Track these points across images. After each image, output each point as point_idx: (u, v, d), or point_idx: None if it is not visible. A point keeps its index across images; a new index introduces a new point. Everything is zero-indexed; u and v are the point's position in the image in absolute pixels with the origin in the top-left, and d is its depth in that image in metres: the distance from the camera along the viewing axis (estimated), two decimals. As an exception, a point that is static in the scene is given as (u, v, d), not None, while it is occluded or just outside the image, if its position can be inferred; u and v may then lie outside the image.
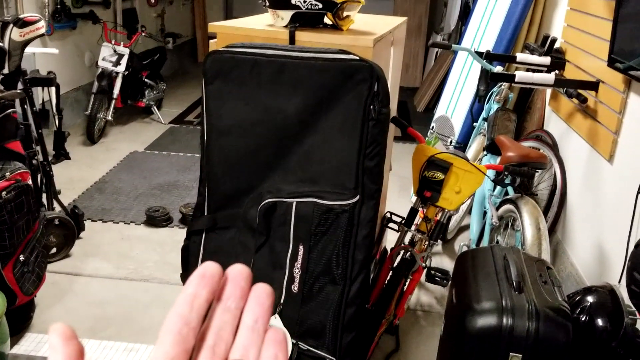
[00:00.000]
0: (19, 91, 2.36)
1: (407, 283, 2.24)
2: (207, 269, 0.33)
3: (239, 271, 0.34)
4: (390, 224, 2.26)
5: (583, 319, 1.67)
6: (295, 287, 1.64)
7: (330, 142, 1.59)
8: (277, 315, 1.66)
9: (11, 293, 2.11)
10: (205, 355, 0.31)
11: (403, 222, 2.22)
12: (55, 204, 2.84)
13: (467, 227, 3.29)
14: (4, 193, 2.01)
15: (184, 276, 1.82)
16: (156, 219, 3.25)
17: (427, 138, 3.65)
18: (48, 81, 2.82)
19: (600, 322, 1.67)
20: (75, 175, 3.88)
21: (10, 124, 2.15)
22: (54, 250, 2.81)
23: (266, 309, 0.34)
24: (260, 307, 0.34)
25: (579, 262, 2.58)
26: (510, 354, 1.38)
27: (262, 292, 0.34)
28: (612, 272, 2.22)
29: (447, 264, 2.96)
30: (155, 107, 5.22)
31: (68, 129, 4.24)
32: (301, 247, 1.63)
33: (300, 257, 1.64)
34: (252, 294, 0.34)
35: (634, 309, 1.65)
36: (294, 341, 1.63)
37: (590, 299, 1.74)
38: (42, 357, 2.16)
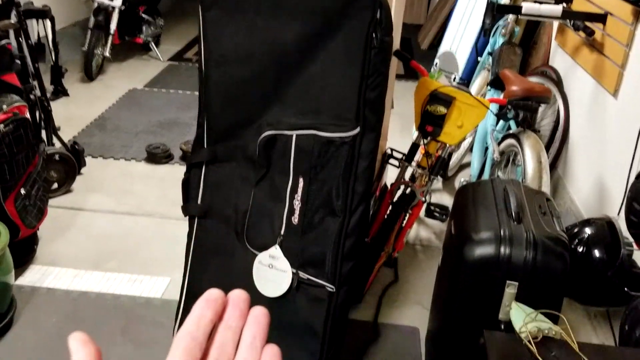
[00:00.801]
0: (12, 22, 2.31)
1: (406, 218, 2.25)
2: (212, 294, 0.38)
3: (238, 295, 0.39)
4: (391, 160, 2.25)
5: (580, 249, 1.69)
6: (295, 219, 1.65)
7: (330, 72, 1.56)
8: (277, 246, 1.67)
9: (14, 226, 2.13)
10: None
11: (404, 157, 2.22)
12: (55, 140, 2.83)
13: (467, 165, 3.29)
14: (1, 126, 2.00)
15: (185, 208, 1.83)
16: (157, 156, 3.24)
17: (430, 72, 3.59)
18: (42, 13, 2.75)
19: (597, 252, 1.69)
20: (74, 112, 3.85)
21: (5, 55, 2.11)
22: (55, 185, 2.82)
23: (263, 328, 0.38)
24: (257, 326, 0.39)
25: (579, 198, 2.59)
26: (507, 282, 1.40)
27: (259, 313, 0.39)
28: (611, 207, 2.23)
29: (447, 200, 2.97)
30: (153, 44, 5.13)
31: (65, 66, 4.17)
32: (301, 180, 1.63)
33: (300, 190, 1.64)
34: (251, 315, 0.39)
35: (631, 240, 1.66)
36: (294, 271, 1.65)
37: (588, 230, 1.76)
38: (45, 288, 2.21)
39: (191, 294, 1.82)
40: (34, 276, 2.26)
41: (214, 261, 1.79)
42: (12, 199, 2.11)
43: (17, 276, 2.21)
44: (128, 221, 2.69)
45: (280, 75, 1.61)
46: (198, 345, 0.36)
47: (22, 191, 2.15)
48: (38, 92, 2.64)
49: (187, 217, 1.84)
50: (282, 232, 1.66)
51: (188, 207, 1.82)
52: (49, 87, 3.94)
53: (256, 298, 1.71)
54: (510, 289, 1.40)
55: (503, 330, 1.41)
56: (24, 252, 2.31)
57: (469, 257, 1.44)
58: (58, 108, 3.69)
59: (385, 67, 1.57)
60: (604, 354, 1.23)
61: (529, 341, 1.21)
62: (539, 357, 1.17)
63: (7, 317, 1.97)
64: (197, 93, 1.67)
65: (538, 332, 1.24)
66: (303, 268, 1.66)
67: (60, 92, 4.04)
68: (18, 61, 2.40)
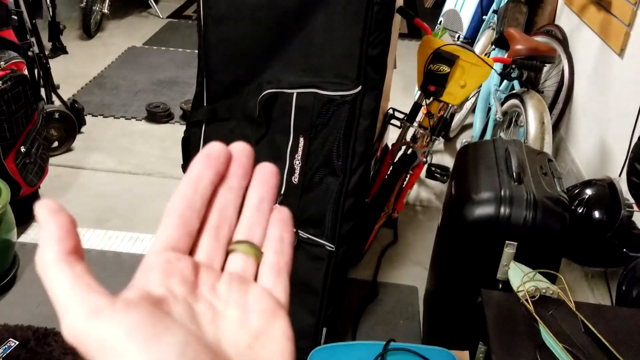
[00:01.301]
0: (7, -24, 2.26)
1: (407, 178, 2.25)
2: (212, 149, 0.32)
3: (240, 149, 0.32)
4: (393, 121, 2.23)
5: (580, 210, 1.69)
6: (295, 179, 1.65)
7: (332, 29, 1.53)
8: (277, 205, 1.67)
9: (15, 184, 2.13)
10: (208, 236, 0.31)
11: (405, 118, 2.20)
12: (54, 98, 2.80)
13: (469, 126, 3.26)
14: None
15: (185, 167, 1.82)
16: (157, 115, 3.22)
17: (434, 31, 3.53)
18: (38, -32, 2.69)
19: (597, 213, 1.69)
20: (73, 70, 3.81)
21: (1, 10, 2.07)
22: (55, 144, 2.81)
23: (271, 188, 0.32)
24: (265, 185, 0.32)
25: (581, 159, 2.58)
26: (506, 242, 1.40)
27: (267, 170, 0.33)
28: (613, 168, 2.22)
29: (448, 162, 2.97)
30: (152, 1, 5.04)
31: (63, 23, 4.11)
32: (301, 139, 1.62)
33: (300, 149, 1.63)
34: (257, 173, 0.32)
35: (631, 201, 1.66)
36: (294, 230, 1.66)
37: (589, 191, 1.75)
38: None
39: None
40: (36, 234, 2.28)
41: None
42: (12, 156, 2.10)
43: (19, 234, 2.23)
44: (129, 180, 2.69)
45: (281, 32, 1.58)
46: (195, 213, 0.30)
47: (22, 149, 2.15)
48: (36, 49, 2.60)
49: (188, 176, 1.84)
50: (282, 191, 1.66)
51: (188, 165, 1.82)
52: (47, 45, 3.89)
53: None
54: (509, 248, 1.41)
55: (501, 290, 1.42)
56: (26, 210, 2.32)
57: (469, 217, 1.44)
58: (56, 66, 3.65)
59: (388, 23, 1.54)
60: (601, 314, 1.24)
61: (527, 300, 1.22)
62: (536, 316, 1.18)
63: (10, 274, 1.99)
64: (197, 51, 1.64)
65: (536, 291, 1.25)
66: (303, 227, 1.66)
67: (59, 49, 3.99)
68: (15, 17, 2.37)
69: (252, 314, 0.28)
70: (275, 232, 0.32)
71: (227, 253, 0.31)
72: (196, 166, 0.31)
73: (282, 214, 0.32)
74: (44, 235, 0.26)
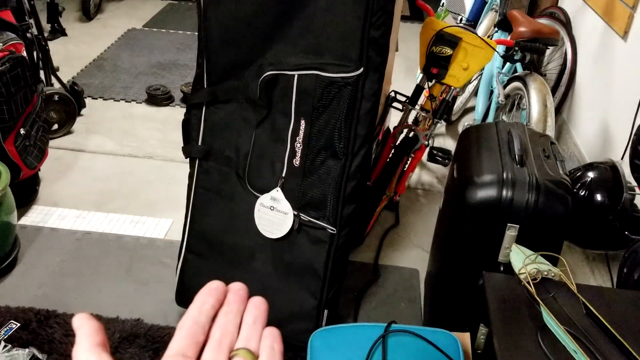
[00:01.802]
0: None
1: (408, 161, 2.24)
2: (213, 284, 0.41)
3: (237, 286, 0.42)
4: (395, 104, 2.22)
5: (583, 193, 1.69)
6: (296, 161, 1.64)
7: (334, 10, 1.51)
8: (279, 189, 1.67)
9: (15, 166, 2.12)
10: (212, 346, 0.38)
11: (407, 100, 2.18)
12: (54, 80, 2.79)
13: (471, 109, 3.25)
14: (-2, 64, 1.96)
15: (185, 149, 1.81)
16: (157, 98, 3.21)
17: (436, 13, 3.50)
18: (36, -52, 2.65)
19: (599, 196, 1.69)
20: (72, 52, 3.79)
21: (-1, -9, 2.05)
22: (55, 126, 2.80)
23: (262, 312, 0.41)
24: (257, 309, 0.41)
25: (583, 143, 2.57)
26: (508, 224, 1.40)
27: (258, 299, 0.42)
28: (615, 151, 2.21)
29: (450, 145, 2.96)
30: (152, -18, 4.99)
31: (62, 4, 4.07)
32: (303, 122, 1.61)
33: (301, 132, 1.62)
34: (250, 302, 0.42)
35: (634, 184, 1.65)
36: (295, 213, 1.66)
37: (591, 174, 1.75)
38: (49, 228, 2.22)
39: (193, 234, 1.83)
40: (36, 217, 2.28)
41: (216, 202, 1.80)
42: (12, 139, 2.09)
43: (19, 216, 2.23)
44: (129, 163, 2.69)
45: (282, 13, 1.56)
46: (201, 328, 0.38)
47: (22, 131, 2.14)
48: (35, 31, 2.58)
49: (188, 158, 1.83)
50: (284, 174, 1.65)
51: (189, 148, 1.81)
52: (46, 26, 3.86)
53: (258, 239, 1.72)
54: (511, 231, 1.40)
55: (502, 272, 1.42)
56: (26, 192, 2.32)
57: (471, 199, 1.43)
58: (56, 48, 3.63)
59: (391, 4, 1.52)
60: (602, 296, 1.25)
61: (528, 282, 1.22)
62: (538, 298, 1.18)
63: (11, 256, 2.00)
64: (197, 33, 1.62)
65: (537, 274, 1.25)
66: (304, 210, 1.66)
67: (58, 31, 3.96)
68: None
69: None
70: (267, 342, 0.39)
71: (230, 359, 0.38)
72: (200, 295, 0.41)
73: (272, 330, 0.40)
74: (79, 333, 0.35)
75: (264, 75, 1.60)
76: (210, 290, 0.41)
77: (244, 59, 1.65)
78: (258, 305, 0.41)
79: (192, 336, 0.38)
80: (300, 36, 1.57)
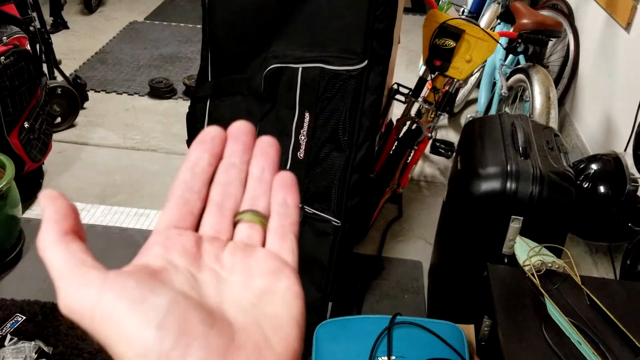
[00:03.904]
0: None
1: (411, 154, 2.25)
2: (206, 134, 0.33)
3: (238, 127, 0.33)
4: (397, 96, 2.22)
5: (586, 185, 1.69)
6: (301, 154, 1.65)
7: (338, 2, 1.51)
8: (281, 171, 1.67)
9: (19, 159, 2.13)
10: (212, 211, 0.31)
11: (410, 93, 2.19)
12: (57, 74, 2.79)
13: (474, 101, 3.25)
14: (2, 58, 1.96)
15: (190, 143, 1.82)
16: (160, 91, 3.21)
17: (439, 5, 3.49)
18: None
19: (602, 188, 1.69)
20: (75, 45, 3.79)
21: (2, -15, 2.05)
22: (58, 119, 2.80)
23: (272, 158, 0.33)
24: (265, 156, 0.33)
25: (585, 134, 2.58)
26: (512, 216, 1.40)
27: (266, 143, 0.33)
28: (618, 143, 2.21)
29: (453, 137, 2.96)
30: (153, -25, 4.97)
31: (64, -3, 4.07)
32: (307, 114, 1.61)
33: (306, 124, 1.62)
34: (256, 147, 0.33)
35: (637, 176, 1.66)
36: (300, 205, 1.66)
37: (594, 166, 1.75)
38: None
39: (198, 227, 1.84)
40: (41, 210, 2.28)
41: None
42: (16, 132, 2.10)
43: (24, 210, 2.23)
44: (133, 156, 2.69)
45: (287, 5, 1.56)
46: (195, 194, 0.31)
47: (26, 125, 2.14)
48: (38, 24, 2.58)
49: (192, 151, 1.83)
50: (288, 167, 1.66)
51: (193, 141, 1.81)
52: (48, 20, 3.85)
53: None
54: (515, 223, 1.41)
55: (506, 264, 1.43)
56: (30, 186, 2.32)
57: (475, 192, 1.44)
58: (58, 41, 3.63)
59: (395, -3, 1.52)
60: (606, 288, 1.25)
61: (533, 274, 1.23)
62: (542, 290, 1.19)
63: (16, 249, 2.00)
64: (199, 26, 1.62)
65: (541, 266, 1.25)
66: (309, 202, 1.67)
67: (60, 24, 3.96)
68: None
69: (256, 275, 0.29)
70: (279, 197, 0.32)
71: (235, 225, 0.32)
72: (191, 152, 0.32)
73: (285, 178, 0.33)
74: (43, 220, 0.28)
75: (269, 68, 1.60)
76: (204, 143, 0.32)
77: (248, 51, 1.66)
78: (265, 151, 0.33)
79: (185, 204, 0.31)
80: (305, 29, 1.57)
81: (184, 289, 0.27)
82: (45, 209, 0.28)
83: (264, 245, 0.31)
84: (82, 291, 0.26)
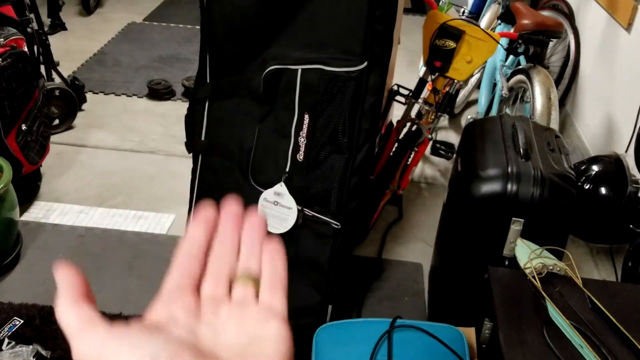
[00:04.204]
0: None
1: (412, 155, 2.24)
2: (200, 216, 0.38)
3: (229, 210, 0.39)
4: (398, 97, 2.21)
5: (587, 186, 1.68)
6: (300, 156, 1.63)
7: (337, 3, 1.50)
8: (282, 183, 1.66)
9: (16, 162, 2.12)
10: (210, 279, 0.36)
11: (410, 94, 2.18)
12: (55, 75, 2.78)
13: (474, 102, 3.24)
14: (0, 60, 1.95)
15: (189, 144, 1.81)
16: (159, 92, 3.20)
17: (439, 5, 3.48)
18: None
19: (603, 190, 1.68)
20: (73, 47, 3.77)
21: (-1, -14, 2.04)
22: (56, 121, 2.79)
23: (259, 230, 0.38)
24: (253, 231, 0.38)
25: (586, 135, 2.57)
26: (513, 218, 1.39)
27: (255, 219, 0.39)
28: (619, 144, 2.20)
29: (453, 138, 2.95)
30: (152, -24, 4.96)
31: (62, -2, 4.06)
32: (306, 116, 1.60)
33: (305, 126, 1.61)
34: (246, 223, 0.39)
35: (638, 177, 1.65)
36: (300, 207, 1.65)
37: (595, 167, 1.74)
38: (51, 224, 2.22)
39: (196, 229, 1.83)
40: (38, 212, 2.27)
41: (219, 197, 1.79)
42: (14, 134, 2.09)
43: (21, 212, 2.22)
44: (131, 158, 2.68)
45: (286, 6, 1.55)
46: (195, 260, 0.36)
47: (23, 127, 2.13)
48: (35, 26, 2.56)
49: (191, 153, 1.82)
50: (288, 169, 1.65)
51: (192, 143, 1.80)
52: (46, 21, 3.84)
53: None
54: (516, 225, 1.40)
55: (507, 266, 1.42)
56: (28, 188, 2.31)
57: (476, 193, 1.43)
58: (56, 42, 3.61)
59: (394, -3, 1.51)
60: (608, 290, 1.24)
61: (534, 277, 1.21)
62: (543, 292, 1.17)
63: (14, 252, 1.99)
64: (198, 27, 1.61)
65: (543, 268, 1.24)
66: (308, 205, 1.65)
67: (58, 25, 3.95)
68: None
69: (248, 324, 0.33)
70: (268, 258, 0.37)
71: (231, 286, 0.36)
72: (190, 230, 0.38)
73: (273, 244, 0.38)
74: (59, 288, 0.33)
75: (268, 69, 1.59)
76: (199, 224, 0.38)
77: (247, 53, 1.64)
78: (254, 226, 0.38)
79: (185, 268, 0.36)
80: (304, 30, 1.56)
81: (181, 335, 0.31)
82: (60, 280, 0.33)
83: (257, 299, 0.36)
84: (90, 341, 0.30)
